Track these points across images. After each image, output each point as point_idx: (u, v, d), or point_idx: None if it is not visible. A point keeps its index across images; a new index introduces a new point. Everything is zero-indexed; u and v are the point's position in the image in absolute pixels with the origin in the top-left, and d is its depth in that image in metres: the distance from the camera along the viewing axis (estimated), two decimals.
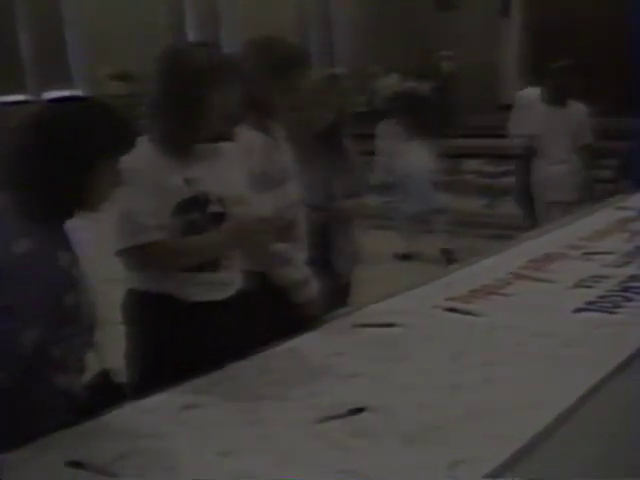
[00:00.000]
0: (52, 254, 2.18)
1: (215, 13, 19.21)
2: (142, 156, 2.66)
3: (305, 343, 2.90)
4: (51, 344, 2.24)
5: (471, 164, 11.32)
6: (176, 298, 2.75)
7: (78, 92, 13.63)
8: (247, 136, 3.05)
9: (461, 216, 9.46)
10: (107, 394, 2.42)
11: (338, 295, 3.54)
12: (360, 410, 2.29)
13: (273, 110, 3.14)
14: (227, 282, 2.83)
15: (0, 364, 2.13)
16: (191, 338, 2.72)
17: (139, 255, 2.71)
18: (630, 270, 3.57)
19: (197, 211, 2.73)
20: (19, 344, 2.13)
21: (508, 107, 9.95)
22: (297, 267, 3.13)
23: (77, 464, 2.05)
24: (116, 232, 2.72)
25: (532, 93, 8.46)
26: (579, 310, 3.08)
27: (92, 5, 16.72)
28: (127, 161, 2.67)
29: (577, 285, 3.39)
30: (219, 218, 2.77)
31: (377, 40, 19.01)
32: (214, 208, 2.76)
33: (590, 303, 3.15)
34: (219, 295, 2.81)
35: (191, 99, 2.69)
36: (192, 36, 18.83)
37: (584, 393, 2.35)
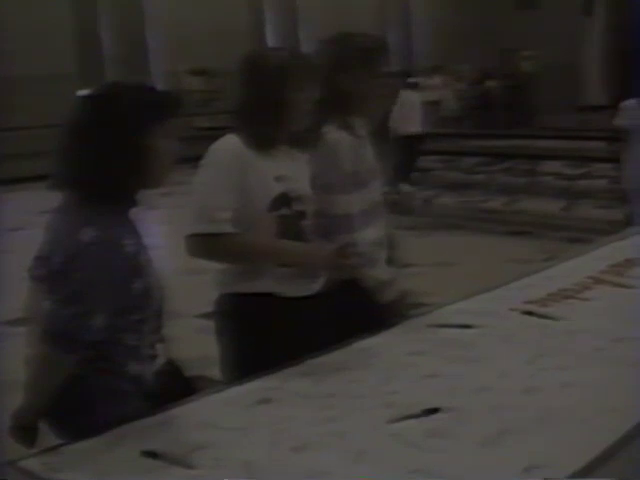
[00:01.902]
0: (117, 241, 2.23)
1: (293, 12, 19.31)
2: (232, 152, 2.77)
3: (381, 342, 2.89)
4: (124, 331, 2.30)
5: (550, 166, 11.20)
6: (276, 295, 2.80)
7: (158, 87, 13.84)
8: (335, 136, 3.06)
9: (538, 218, 9.39)
10: (173, 384, 2.47)
11: None
12: (435, 410, 2.28)
13: (357, 105, 3.13)
14: (317, 275, 2.89)
15: (71, 348, 2.20)
16: (292, 333, 2.78)
17: (213, 244, 2.74)
18: None
19: (286, 207, 2.80)
20: (89, 329, 2.19)
21: (589, 108, 9.87)
22: (382, 268, 3.13)
23: (153, 454, 2.08)
24: (193, 217, 2.76)
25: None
26: None
27: (172, 2, 16.95)
28: (217, 155, 2.78)
29: None
30: (302, 215, 2.85)
31: (456, 40, 18.92)
32: (297, 206, 2.83)
33: None
34: (310, 290, 2.87)
35: (274, 98, 2.77)
36: (270, 35, 18.97)
37: None
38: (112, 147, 2.24)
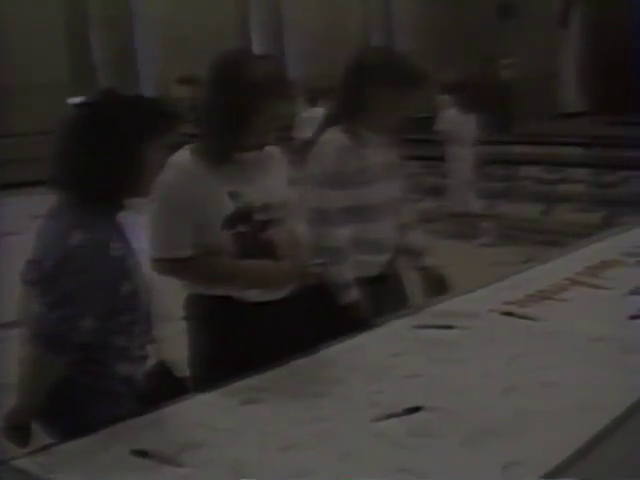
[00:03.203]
0: (105, 245, 2.26)
1: (279, 16, 19.29)
2: (183, 171, 2.72)
3: (364, 343, 2.93)
4: (114, 333, 2.34)
5: (528, 171, 11.29)
6: (236, 299, 2.80)
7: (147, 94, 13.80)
8: (326, 137, 3.16)
9: (517, 222, 9.47)
10: (165, 384, 2.50)
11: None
12: (416, 409, 2.32)
13: (371, 116, 3.20)
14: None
15: (61, 350, 2.24)
16: (250, 336, 2.79)
17: (172, 268, 2.77)
18: None
19: (243, 223, 2.75)
20: (79, 331, 2.23)
21: (567, 115, 9.98)
22: (346, 269, 3.15)
23: (142, 453, 2.12)
24: (150, 242, 2.77)
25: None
26: (634, 317, 3.07)
27: (162, 9, 16.91)
28: (167, 175, 2.68)
29: (632, 292, 3.38)
30: (264, 226, 2.80)
31: (440, 47, 18.96)
32: (259, 216, 2.78)
33: None
34: (276, 294, 2.85)
35: (238, 112, 2.69)
36: (256, 39, 18.97)
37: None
38: (103, 155, 2.28)
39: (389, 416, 2.30)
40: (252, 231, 2.77)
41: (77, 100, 2.44)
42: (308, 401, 2.44)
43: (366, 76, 3.16)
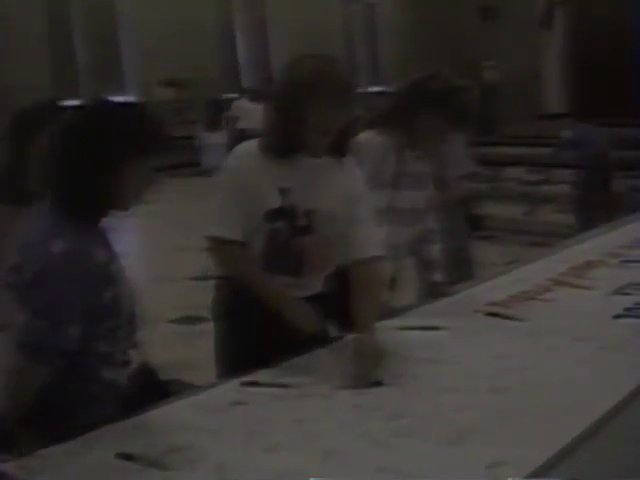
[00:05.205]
0: (88, 252, 2.23)
1: (263, 15, 19.33)
2: (244, 158, 2.81)
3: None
4: (97, 339, 2.32)
5: (512, 172, 11.34)
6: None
7: (130, 98, 13.76)
8: (366, 136, 3.23)
9: (501, 222, 9.49)
10: (146, 387, 2.49)
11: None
12: (400, 411, 2.33)
13: (414, 139, 3.33)
14: (308, 286, 2.90)
15: (47, 358, 2.21)
16: (263, 329, 2.78)
17: (211, 246, 2.83)
18: None
19: (284, 221, 2.77)
20: (64, 339, 2.20)
21: (549, 116, 9.99)
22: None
23: (127, 456, 2.11)
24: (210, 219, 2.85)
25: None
26: (618, 316, 3.10)
27: (144, 12, 16.88)
28: (230, 159, 2.83)
29: (615, 292, 3.41)
30: (304, 231, 2.80)
31: (421, 49, 19.00)
32: (301, 221, 2.79)
33: (628, 310, 3.16)
34: (298, 294, 2.86)
35: (287, 111, 2.70)
36: (240, 38, 19.03)
37: (624, 396, 2.37)
38: (90, 163, 2.24)
39: (375, 417, 2.30)
40: (288, 232, 2.79)
41: (70, 104, 2.39)
42: (293, 403, 2.44)
43: (423, 104, 3.27)
